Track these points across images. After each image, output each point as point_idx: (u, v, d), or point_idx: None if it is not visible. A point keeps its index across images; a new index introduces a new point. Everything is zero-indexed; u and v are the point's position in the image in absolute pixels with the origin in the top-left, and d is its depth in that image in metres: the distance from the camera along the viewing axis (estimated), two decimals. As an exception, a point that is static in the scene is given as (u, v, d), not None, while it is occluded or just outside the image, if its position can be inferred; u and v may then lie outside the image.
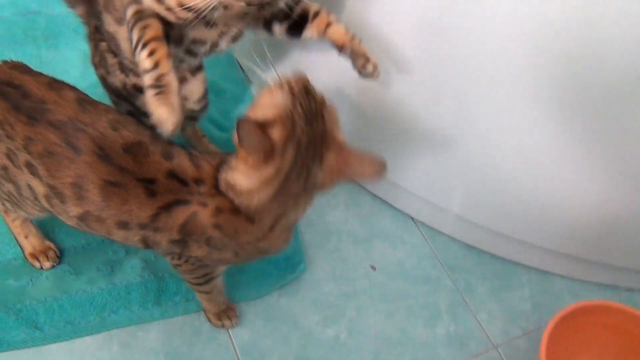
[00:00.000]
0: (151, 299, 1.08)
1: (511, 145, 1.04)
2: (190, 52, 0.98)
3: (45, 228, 1.11)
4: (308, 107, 0.75)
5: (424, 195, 1.22)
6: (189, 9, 0.85)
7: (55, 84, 0.84)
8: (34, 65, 0.88)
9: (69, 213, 0.82)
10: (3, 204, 0.98)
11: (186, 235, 0.82)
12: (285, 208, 0.81)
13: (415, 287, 1.20)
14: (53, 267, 1.08)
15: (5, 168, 0.86)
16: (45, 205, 0.85)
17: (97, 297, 1.07)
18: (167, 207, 0.80)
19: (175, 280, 1.10)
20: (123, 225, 0.82)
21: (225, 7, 0.86)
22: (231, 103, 1.42)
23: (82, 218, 0.82)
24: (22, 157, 0.81)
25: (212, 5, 0.82)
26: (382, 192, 1.30)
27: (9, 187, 0.89)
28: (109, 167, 0.79)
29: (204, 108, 1.15)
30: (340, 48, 0.97)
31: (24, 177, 0.84)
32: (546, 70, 0.91)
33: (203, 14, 0.83)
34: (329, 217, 1.26)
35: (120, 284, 1.09)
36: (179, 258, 0.90)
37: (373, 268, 1.21)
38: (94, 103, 0.84)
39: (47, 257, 1.09)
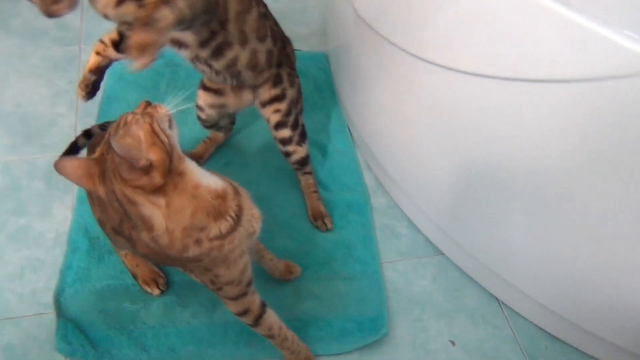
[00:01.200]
0: (244, 340, 1.18)
1: (607, 242, 1.05)
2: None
3: (162, 261, 1.25)
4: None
5: (511, 280, 1.24)
6: None
7: None
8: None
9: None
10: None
11: None
12: None
13: (493, 369, 1.22)
14: (162, 292, 1.22)
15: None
16: None
17: (198, 330, 1.18)
18: None
19: (267, 325, 1.20)
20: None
21: None
22: (338, 165, 1.52)
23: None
24: None
25: None
26: (470, 269, 1.34)
27: None
28: None
29: None
30: None
31: None
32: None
33: None
34: (416, 287, 1.32)
35: (219, 320, 1.20)
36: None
37: (452, 343, 1.25)
38: None
39: (156, 284, 1.23)
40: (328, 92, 1.70)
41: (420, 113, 1.24)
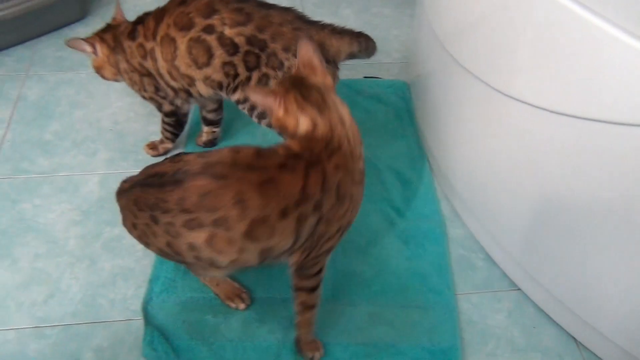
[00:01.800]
0: (317, 360, 1.21)
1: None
2: None
3: (239, 279, 1.31)
4: None
5: (591, 321, 1.21)
6: None
7: None
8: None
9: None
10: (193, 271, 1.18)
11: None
12: None
13: (568, 411, 1.19)
14: (247, 307, 1.27)
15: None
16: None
17: (273, 347, 1.22)
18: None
19: (340, 347, 1.22)
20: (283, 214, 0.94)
21: None
22: (415, 194, 1.54)
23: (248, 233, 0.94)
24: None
25: None
26: (548, 307, 1.32)
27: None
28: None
29: None
30: None
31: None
32: None
33: None
34: (490, 321, 1.31)
35: (294, 339, 1.24)
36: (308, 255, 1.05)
37: (527, 381, 1.23)
38: None
39: (241, 299, 1.28)
40: (408, 121, 1.73)
41: (503, 146, 1.24)
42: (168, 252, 1.03)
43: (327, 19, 1.92)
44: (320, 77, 1.02)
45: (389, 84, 1.84)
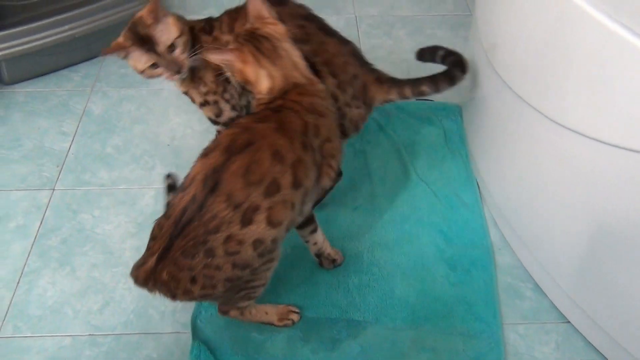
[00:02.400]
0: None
1: None
2: None
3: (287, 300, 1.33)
4: None
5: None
6: None
7: None
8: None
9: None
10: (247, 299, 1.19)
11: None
12: None
13: None
14: (300, 318, 1.30)
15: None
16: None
17: (316, 367, 1.24)
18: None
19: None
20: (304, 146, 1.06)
21: None
22: (463, 219, 1.53)
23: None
24: None
25: None
26: (598, 342, 1.28)
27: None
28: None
29: None
30: None
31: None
32: None
33: None
34: (538, 353, 1.28)
35: (337, 359, 1.25)
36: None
37: (574, 418, 1.20)
38: None
39: (294, 312, 1.31)
40: (459, 144, 1.72)
41: (555, 175, 1.23)
42: (236, 276, 1.06)
43: (381, 40, 1.96)
44: (270, 27, 1.10)
45: (442, 107, 1.83)
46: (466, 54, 1.78)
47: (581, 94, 1.08)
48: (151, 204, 1.57)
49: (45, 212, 1.55)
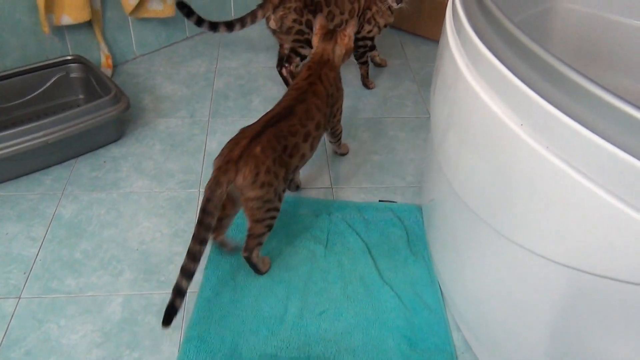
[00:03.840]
0: None
1: None
2: None
3: None
4: None
5: None
6: None
7: None
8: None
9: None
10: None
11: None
12: None
13: None
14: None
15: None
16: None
17: None
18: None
19: None
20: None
21: None
22: (425, 323, 1.56)
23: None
24: None
25: None
26: None
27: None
28: None
29: None
30: None
31: None
32: None
33: None
34: None
35: None
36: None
37: None
38: None
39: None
40: (421, 246, 1.78)
41: (509, 285, 1.28)
42: (286, 175, 1.61)
43: (347, 141, 2.11)
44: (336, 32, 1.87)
45: (404, 208, 1.91)
46: (424, 156, 1.88)
47: (526, 214, 1.15)
48: (118, 311, 1.57)
49: (9, 322, 1.54)
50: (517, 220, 1.18)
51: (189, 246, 1.41)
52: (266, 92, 2.49)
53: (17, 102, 2.20)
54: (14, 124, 2.11)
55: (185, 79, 2.60)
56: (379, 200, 1.96)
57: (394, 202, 1.95)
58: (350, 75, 2.59)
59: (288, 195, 1.92)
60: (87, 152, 2.13)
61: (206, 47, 2.83)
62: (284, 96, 1.72)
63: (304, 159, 1.69)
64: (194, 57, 2.76)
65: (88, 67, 2.28)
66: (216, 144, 2.20)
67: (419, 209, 1.91)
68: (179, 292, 1.40)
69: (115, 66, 2.63)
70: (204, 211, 1.41)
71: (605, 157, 0.95)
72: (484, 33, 1.27)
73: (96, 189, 1.98)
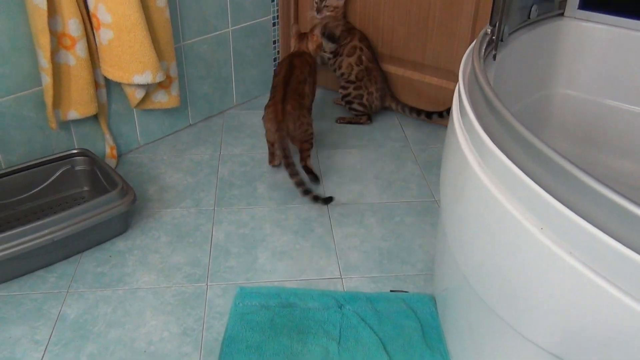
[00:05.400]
0: None
1: None
2: None
3: None
4: None
5: None
6: None
7: None
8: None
9: None
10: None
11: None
12: None
13: None
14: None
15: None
16: None
17: None
18: None
19: None
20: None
21: None
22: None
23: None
24: None
25: None
26: None
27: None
28: None
29: None
30: None
31: None
32: None
33: None
34: None
35: None
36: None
37: None
38: None
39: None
40: (436, 339, 1.74)
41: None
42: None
43: (352, 229, 2.10)
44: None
45: (416, 298, 1.88)
46: (435, 241, 1.87)
47: (545, 314, 1.13)
48: (126, 421, 1.51)
49: None
50: (538, 323, 1.16)
51: (288, 172, 2.26)
52: (270, 178, 2.50)
53: (21, 196, 2.20)
54: (18, 219, 2.11)
55: (189, 167, 2.61)
56: (390, 290, 1.93)
57: (405, 291, 1.92)
58: (353, 159, 2.62)
59: (298, 287, 1.89)
60: (92, 247, 2.10)
61: (209, 134, 2.87)
62: (279, 67, 2.50)
63: (308, 98, 2.44)
64: (198, 144, 2.79)
65: (93, 159, 2.29)
66: (223, 234, 2.18)
67: (432, 298, 1.88)
68: (300, 184, 2.27)
69: (119, 156, 2.65)
70: (284, 155, 2.25)
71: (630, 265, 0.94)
72: (493, 131, 1.28)
73: (102, 286, 1.94)
